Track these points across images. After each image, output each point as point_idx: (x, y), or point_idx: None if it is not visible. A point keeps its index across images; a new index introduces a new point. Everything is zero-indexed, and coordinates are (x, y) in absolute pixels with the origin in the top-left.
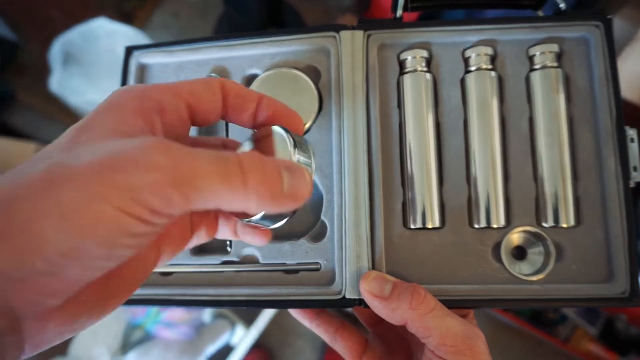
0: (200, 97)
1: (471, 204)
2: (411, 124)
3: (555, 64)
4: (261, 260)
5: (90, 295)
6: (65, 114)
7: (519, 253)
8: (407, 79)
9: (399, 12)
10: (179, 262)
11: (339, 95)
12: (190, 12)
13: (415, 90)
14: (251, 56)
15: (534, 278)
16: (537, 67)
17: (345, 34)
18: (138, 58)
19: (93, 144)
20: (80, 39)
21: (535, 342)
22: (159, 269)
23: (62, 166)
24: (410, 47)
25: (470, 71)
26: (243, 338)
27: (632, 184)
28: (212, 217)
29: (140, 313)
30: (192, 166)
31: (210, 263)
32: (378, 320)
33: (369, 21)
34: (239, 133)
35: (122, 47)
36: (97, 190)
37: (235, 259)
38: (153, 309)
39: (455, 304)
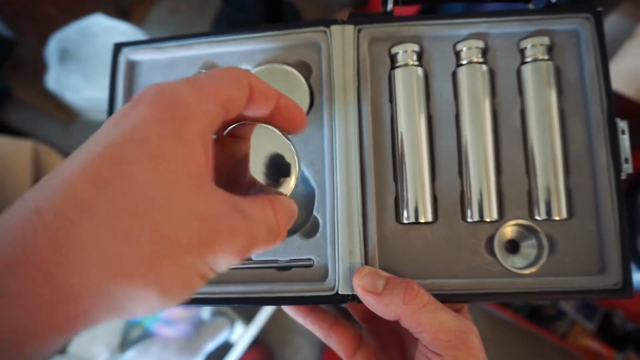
0: (235, 101)
1: (464, 198)
2: (403, 118)
3: (546, 57)
4: (253, 257)
5: None
6: (62, 111)
7: (512, 246)
8: (398, 74)
9: (390, 6)
10: None
11: (330, 91)
12: (188, 9)
13: (407, 85)
14: (242, 52)
15: (527, 271)
16: (528, 60)
17: (335, 29)
18: (127, 55)
19: (180, 196)
20: (77, 36)
21: (533, 338)
22: None
23: (164, 240)
24: (401, 41)
25: (462, 65)
26: (242, 335)
27: (623, 176)
28: None
29: None
30: (255, 238)
31: None
32: (372, 316)
33: (359, 15)
34: None
35: None
36: (193, 267)
37: None
38: None
39: (448, 299)
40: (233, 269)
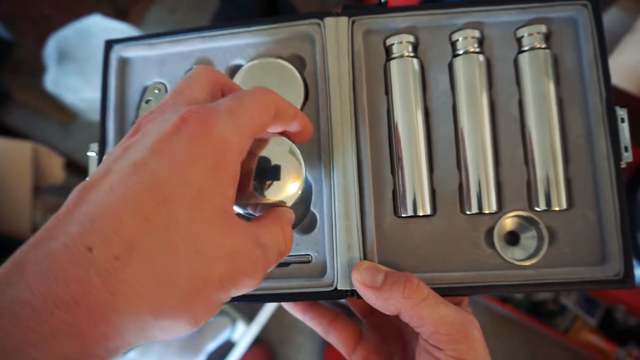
0: (263, 128)
1: (462, 190)
2: (399, 110)
3: (543, 45)
4: None
5: None
6: (60, 112)
7: (512, 238)
8: (394, 65)
9: None
10: None
11: (325, 84)
12: (186, 8)
13: (403, 76)
14: (235, 46)
15: (528, 263)
16: (525, 48)
17: (329, 21)
18: (119, 52)
19: (218, 231)
20: (75, 37)
21: (535, 334)
22: None
23: (199, 278)
24: (396, 32)
25: (458, 55)
26: (244, 334)
27: (623, 165)
28: None
29: None
30: (269, 265)
31: None
32: (372, 311)
33: (353, 7)
34: None
35: None
36: (218, 300)
37: None
38: None
39: (448, 292)
40: None
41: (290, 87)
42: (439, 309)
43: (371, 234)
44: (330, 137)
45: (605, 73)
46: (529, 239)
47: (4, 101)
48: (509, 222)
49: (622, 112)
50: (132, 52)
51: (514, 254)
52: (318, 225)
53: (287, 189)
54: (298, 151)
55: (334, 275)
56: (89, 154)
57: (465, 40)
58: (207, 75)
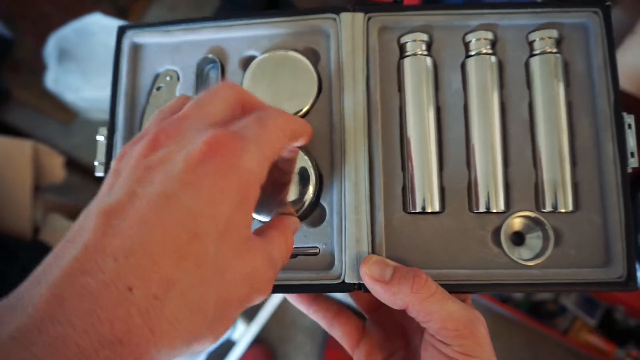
0: (282, 151)
1: (471, 189)
2: (411, 108)
3: (554, 50)
4: None
5: None
6: (61, 111)
7: (517, 238)
8: (407, 63)
9: None
10: None
11: (338, 79)
12: (186, 6)
13: (416, 74)
14: (249, 37)
15: (533, 263)
16: (536, 52)
17: (345, 16)
18: (131, 37)
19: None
20: (75, 35)
21: (534, 334)
22: None
23: (225, 304)
24: (411, 30)
25: (471, 56)
26: (244, 333)
27: (629, 170)
28: None
29: None
30: (276, 276)
31: None
32: (376, 307)
33: (369, 4)
34: None
35: None
36: (235, 316)
37: None
38: None
39: (455, 289)
40: None
41: (303, 80)
42: (447, 304)
43: (380, 228)
44: (342, 132)
45: (614, 79)
46: (534, 239)
47: (4, 100)
48: (516, 222)
49: (629, 119)
50: (145, 38)
51: (520, 254)
52: (327, 218)
53: (299, 196)
54: (307, 158)
55: (341, 268)
56: (97, 138)
57: (479, 41)
58: (230, 92)
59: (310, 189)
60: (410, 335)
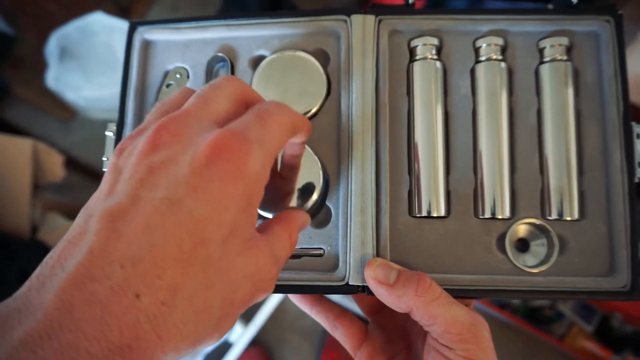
0: (282, 148)
1: (477, 194)
2: (420, 111)
3: (564, 57)
4: None
5: None
6: (61, 109)
7: (522, 245)
8: (416, 67)
9: None
10: None
11: (348, 80)
12: (188, 6)
13: (425, 78)
14: (259, 37)
15: (537, 270)
16: (546, 59)
17: (356, 18)
18: (142, 34)
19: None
20: (76, 34)
21: (531, 340)
22: None
23: (229, 305)
24: (421, 34)
25: (481, 61)
26: (241, 335)
27: (636, 180)
28: None
29: None
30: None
31: None
32: (378, 309)
33: (380, 6)
34: None
35: (119, 43)
36: (239, 315)
37: None
38: None
39: (459, 294)
40: None
41: (312, 81)
42: (451, 308)
43: (385, 231)
44: (350, 134)
45: (624, 88)
46: (539, 247)
47: (4, 96)
48: (521, 228)
49: (638, 129)
50: (156, 35)
51: (525, 261)
52: (332, 219)
53: (305, 192)
54: (313, 153)
55: (346, 270)
56: (107, 133)
57: (489, 47)
58: (234, 86)
59: (317, 190)
60: (412, 339)
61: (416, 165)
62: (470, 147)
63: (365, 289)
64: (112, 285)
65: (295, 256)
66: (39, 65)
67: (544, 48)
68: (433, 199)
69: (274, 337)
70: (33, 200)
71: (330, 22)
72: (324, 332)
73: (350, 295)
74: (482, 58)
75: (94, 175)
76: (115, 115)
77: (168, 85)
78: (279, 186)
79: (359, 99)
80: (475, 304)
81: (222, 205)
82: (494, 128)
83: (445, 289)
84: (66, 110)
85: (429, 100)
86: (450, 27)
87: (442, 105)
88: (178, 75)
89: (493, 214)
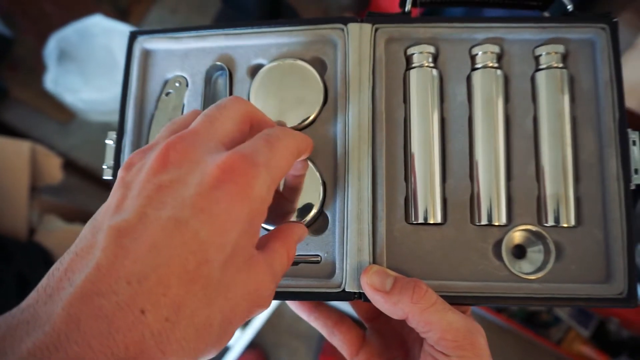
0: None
1: (473, 201)
2: (416, 119)
3: (560, 65)
4: None
5: None
6: (59, 111)
7: (518, 252)
8: (413, 74)
9: (408, 7)
10: None
11: (344, 88)
12: (188, 9)
13: (421, 86)
14: (257, 46)
15: (534, 277)
16: (542, 67)
17: (353, 27)
18: (142, 43)
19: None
20: (75, 36)
21: (528, 344)
22: None
23: (229, 322)
24: (418, 42)
25: (477, 69)
26: (238, 338)
27: (632, 186)
28: None
29: None
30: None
31: None
32: (375, 316)
33: (377, 15)
34: None
35: (118, 45)
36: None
37: None
38: None
39: (455, 301)
40: None
41: (310, 89)
42: (447, 315)
43: (382, 238)
44: (347, 141)
45: (619, 95)
46: (535, 253)
47: (2, 99)
48: (517, 235)
49: (634, 135)
50: (155, 44)
51: (521, 267)
52: (329, 226)
53: (305, 208)
54: (315, 170)
55: (342, 277)
56: (107, 142)
57: (485, 54)
58: (239, 107)
59: (316, 206)
60: (409, 345)
61: (412, 172)
62: (467, 154)
63: (361, 296)
64: (119, 301)
65: (292, 263)
66: (38, 68)
67: (540, 55)
68: (429, 205)
69: (272, 341)
70: (31, 202)
71: (327, 31)
72: (321, 336)
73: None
74: (478, 65)
75: (93, 178)
76: (113, 117)
77: (167, 94)
78: (280, 205)
79: (355, 107)
80: (472, 307)
81: (226, 227)
82: (490, 135)
83: (442, 296)
84: (65, 113)
85: (426, 107)
86: (447, 35)
87: (438, 112)
88: (177, 84)
89: (489, 220)
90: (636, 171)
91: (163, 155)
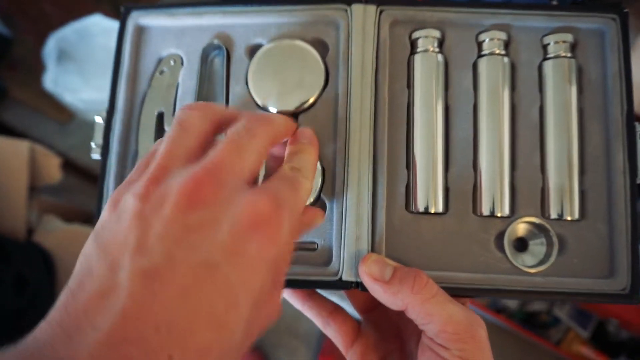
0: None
1: (476, 191)
2: (419, 105)
3: (568, 54)
4: None
5: None
6: (58, 111)
7: (520, 244)
8: (417, 59)
9: None
10: None
11: (346, 71)
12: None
13: (426, 71)
14: (257, 25)
15: (536, 270)
16: (550, 56)
17: (357, 8)
18: (136, 19)
19: None
20: (75, 36)
21: (527, 345)
22: None
23: (235, 351)
24: (423, 26)
25: (483, 55)
26: None
27: (638, 181)
28: None
29: None
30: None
31: None
32: (371, 307)
33: None
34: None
35: None
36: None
37: None
38: None
39: (455, 292)
40: None
41: (310, 71)
42: (448, 307)
43: (381, 226)
44: (347, 126)
45: (628, 88)
46: (537, 246)
47: (1, 98)
48: (520, 227)
49: None
50: (150, 20)
51: (523, 260)
52: (327, 213)
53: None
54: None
55: (339, 265)
56: (96, 119)
57: (492, 41)
58: (268, 137)
59: (315, 191)
60: (405, 338)
61: (414, 160)
62: (471, 142)
63: (359, 285)
64: (147, 348)
65: None
66: (37, 67)
67: (548, 44)
68: (431, 194)
69: (271, 341)
70: (30, 202)
71: (329, 11)
72: (321, 336)
73: (343, 292)
74: (485, 52)
75: (92, 178)
76: None
77: (161, 72)
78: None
79: (357, 90)
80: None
81: (255, 270)
82: (495, 124)
83: (442, 287)
84: (64, 113)
85: (430, 93)
86: (453, 19)
87: (442, 99)
88: (172, 62)
89: (492, 211)
90: None
91: (190, 193)
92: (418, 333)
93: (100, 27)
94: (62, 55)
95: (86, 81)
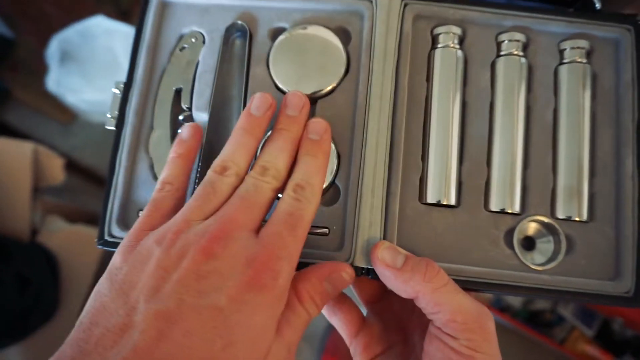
0: None
1: (488, 187)
2: (437, 99)
3: (584, 60)
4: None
5: None
6: (61, 112)
7: (528, 243)
8: (438, 54)
9: None
10: None
11: (368, 60)
12: None
13: (446, 67)
14: (281, 9)
15: (544, 268)
16: (566, 60)
17: (382, 0)
18: None
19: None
20: (77, 38)
21: (532, 343)
22: None
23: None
24: (445, 22)
25: (502, 55)
26: None
27: None
28: None
29: None
30: None
31: None
32: (377, 298)
33: None
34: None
35: (119, 46)
36: None
37: None
38: None
39: (464, 285)
40: None
41: (332, 58)
42: (458, 297)
43: (394, 215)
44: (366, 114)
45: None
46: (544, 244)
47: (5, 100)
48: (530, 226)
49: None
50: None
51: (533, 258)
52: (341, 199)
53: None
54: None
55: (351, 251)
56: (113, 90)
57: (511, 42)
58: (228, 189)
59: (329, 180)
60: (409, 330)
61: (429, 152)
62: (485, 139)
63: (370, 272)
64: None
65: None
66: (39, 69)
67: (565, 49)
68: (444, 187)
69: None
70: (33, 203)
71: (355, 1)
72: (324, 336)
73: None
74: (504, 52)
75: (95, 179)
76: None
77: (182, 49)
78: None
79: (378, 80)
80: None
81: (253, 312)
82: (509, 123)
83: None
84: (67, 114)
85: (448, 88)
86: (475, 18)
87: (460, 95)
88: (193, 40)
89: (503, 208)
90: None
91: (208, 250)
92: (422, 326)
93: (102, 28)
94: (65, 57)
95: (89, 82)
